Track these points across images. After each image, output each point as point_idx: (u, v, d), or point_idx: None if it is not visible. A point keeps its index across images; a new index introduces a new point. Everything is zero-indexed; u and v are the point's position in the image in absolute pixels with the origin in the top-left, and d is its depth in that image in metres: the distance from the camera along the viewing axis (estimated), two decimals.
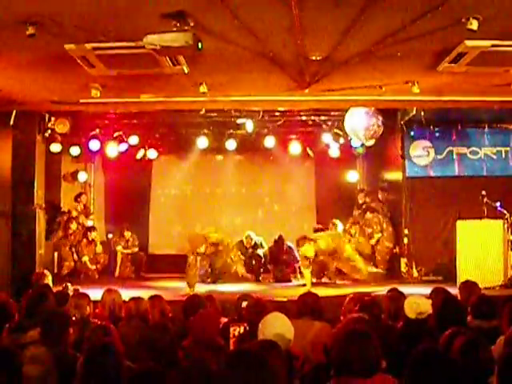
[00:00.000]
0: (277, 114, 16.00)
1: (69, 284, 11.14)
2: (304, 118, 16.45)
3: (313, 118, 16.49)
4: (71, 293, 9.62)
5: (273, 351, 4.76)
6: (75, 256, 16.39)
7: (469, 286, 8.79)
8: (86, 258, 16.40)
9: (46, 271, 11.53)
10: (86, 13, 7.26)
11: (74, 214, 16.85)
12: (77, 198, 17.17)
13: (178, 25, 7.12)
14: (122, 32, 7.87)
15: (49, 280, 10.97)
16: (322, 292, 11.96)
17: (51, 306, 7.63)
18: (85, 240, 16.72)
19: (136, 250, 17.17)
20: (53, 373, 5.34)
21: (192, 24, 7.19)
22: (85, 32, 7.78)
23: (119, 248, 17.03)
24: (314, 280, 14.50)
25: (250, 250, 16.43)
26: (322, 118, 16.49)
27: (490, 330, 6.48)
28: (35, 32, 7.41)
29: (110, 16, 7.40)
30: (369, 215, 16.72)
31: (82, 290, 9.88)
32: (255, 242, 16.48)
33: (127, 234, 17.20)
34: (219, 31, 7.85)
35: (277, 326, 5.62)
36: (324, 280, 15.06)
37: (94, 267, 16.44)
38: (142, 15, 7.26)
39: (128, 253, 17.01)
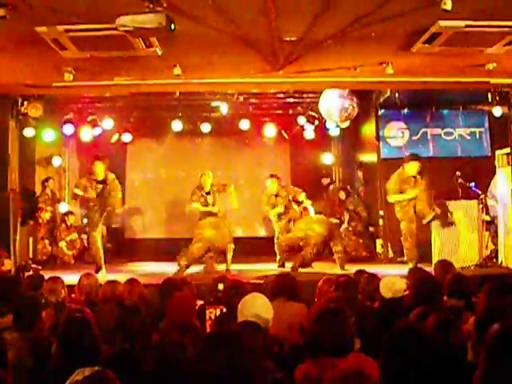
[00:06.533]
0: (251, 96, 15.99)
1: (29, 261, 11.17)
2: (279, 100, 16.47)
3: (287, 100, 16.51)
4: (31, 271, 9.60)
5: (253, 332, 4.76)
6: (47, 241, 16.30)
7: (443, 266, 8.83)
8: (63, 244, 16.30)
9: (29, 261, 11.55)
10: None
11: (43, 199, 16.70)
12: (44, 182, 16.98)
13: (151, 6, 7.04)
14: (94, 13, 7.80)
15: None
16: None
17: (24, 291, 7.62)
18: (63, 225, 16.67)
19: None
20: (27, 357, 5.32)
21: (165, 5, 7.12)
22: (57, 14, 7.70)
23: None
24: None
25: None
26: (297, 100, 16.51)
27: (464, 309, 6.51)
28: (6, 14, 7.32)
29: None
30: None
31: (57, 275, 9.81)
32: None
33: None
34: (192, 12, 7.80)
35: (256, 307, 5.61)
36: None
37: (70, 253, 16.37)
38: None
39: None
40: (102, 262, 13.54)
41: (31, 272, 11.88)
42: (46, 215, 16.47)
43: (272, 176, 15.19)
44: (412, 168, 13.27)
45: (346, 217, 16.37)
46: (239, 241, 15.08)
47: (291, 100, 16.54)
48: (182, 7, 7.55)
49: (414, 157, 13.54)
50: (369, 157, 16.96)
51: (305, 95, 16.08)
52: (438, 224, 13.31)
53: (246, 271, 13.66)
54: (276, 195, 15.01)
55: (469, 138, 15.80)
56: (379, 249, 15.74)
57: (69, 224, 16.67)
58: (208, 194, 14.86)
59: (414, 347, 4.04)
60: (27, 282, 8.56)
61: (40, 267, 13.17)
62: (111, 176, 13.79)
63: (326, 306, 5.20)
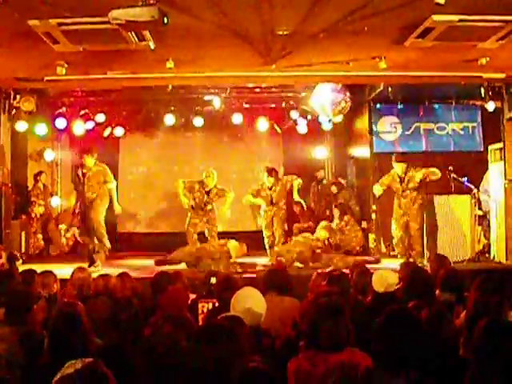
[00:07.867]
0: (244, 90, 15.97)
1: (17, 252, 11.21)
2: (272, 94, 16.44)
3: (280, 94, 16.48)
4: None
5: (237, 325, 4.75)
6: (39, 235, 16.31)
7: (439, 259, 8.85)
8: (63, 227, 16.55)
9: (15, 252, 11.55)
10: None
11: (35, 193, 16.69)
12: (36, 176, 16.95)
13: None
14: (87, 7, 7.77)
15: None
16: None
17: (16, 285, 7.59)
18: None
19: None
20: (19, 352, 5.30)
21: None
22: (49, 7, 7.67)
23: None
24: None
25: None
26: (290, 94, 16.49)
27: (457, 304, 6.52)
28: None
29: None
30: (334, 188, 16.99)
31: (50, 269, 9.80)
32: None
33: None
34: (185, 6, 7.78)
35: (249, 301, 5.62)
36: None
37: (65, 241, 16.48)
38: None
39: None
40: (96, 258, 13.48)
41: (20, 261, 11.92)
42: (38, 209, 16.45)
43: (268, 170, 15.12)
44: (398, 168, 13.76)
45: (338, 211, 16.31)
46: (231, 236, 15.04)
47: (284, 94, 16.51)
48: (175, 0, 7.53)
49: (398, 158, 14.00)
50: (361, 151, 16.95)
51: (298, 89, 16.06)
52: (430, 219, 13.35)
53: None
54: (270, 188, 14.97)
55: (461, 132, 15.80)
56: (372, 243, 15.73)
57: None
58: (208, 193, 14.88)
59: (405, 331, 4.06)
60: (19, 276, 8.53)
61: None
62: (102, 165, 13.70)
63: (320, 300, 5.18)
